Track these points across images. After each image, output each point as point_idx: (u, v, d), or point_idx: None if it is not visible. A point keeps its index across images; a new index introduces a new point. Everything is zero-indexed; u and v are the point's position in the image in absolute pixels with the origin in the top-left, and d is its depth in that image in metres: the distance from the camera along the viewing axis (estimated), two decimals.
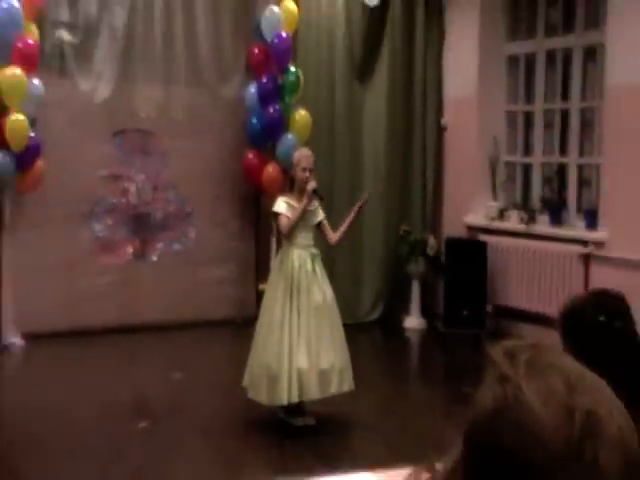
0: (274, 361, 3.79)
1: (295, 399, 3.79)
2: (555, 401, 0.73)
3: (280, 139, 6.00)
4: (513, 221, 6.17)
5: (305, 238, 3.96)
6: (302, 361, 3.77)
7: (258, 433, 3.94)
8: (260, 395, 3.88)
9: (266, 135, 6.07)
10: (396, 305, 6.65)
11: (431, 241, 6.45)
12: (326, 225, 4.05)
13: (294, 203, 3.94)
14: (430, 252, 6.41)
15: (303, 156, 3.98)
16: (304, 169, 3.91)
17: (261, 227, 6.42)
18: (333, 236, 4.03)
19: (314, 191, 3.91)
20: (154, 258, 6.26)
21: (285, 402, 3.81)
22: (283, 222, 3.92)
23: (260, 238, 6.44)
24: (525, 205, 6.19)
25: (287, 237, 3.94)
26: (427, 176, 6.81)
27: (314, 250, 3.99)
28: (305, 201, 3.90)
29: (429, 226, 6.72)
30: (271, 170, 6.05)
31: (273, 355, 3.81)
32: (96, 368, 5.16)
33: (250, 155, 6.19)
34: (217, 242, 6.40)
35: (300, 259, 3.90)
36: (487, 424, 0.76)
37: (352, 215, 4.03)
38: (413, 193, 6.79)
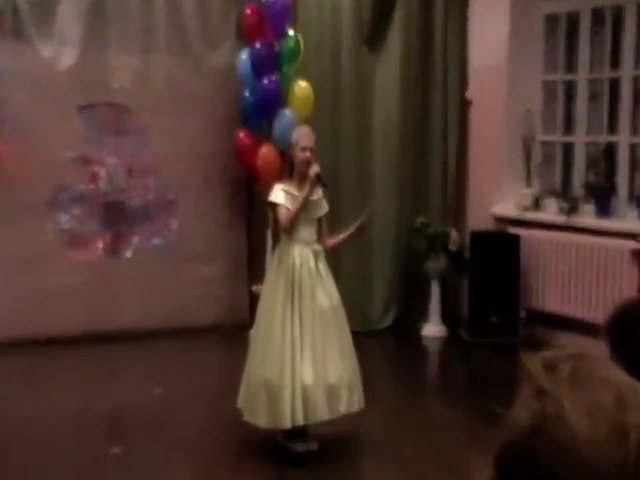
0: (274, 376, 3.80)
1: (300, 421, 3.79)
2: (604, 419, 0.73)
3: (277, 115, 6.01)
4: (551, 211, 6.16)
5: (307, 232, 3.99)
6: (307, 375, 3.78)
7: (252, 459, 3.94)
8: (258, 417, 3.87)
9: (261, 111, 6.08)
10: (412, 309, 6.69)
11: (453, 235, 6.46)
12: (325, 222, 4.10)
13: (294, 191, 3.96)
14: (452, 247, 6.43)
15: (302, 134, 4.02)
16: (304, 149, 3.94)
17: (255, 218, 6.44)
18: (328, 240, 4.09)
19: (317, 176, 3.93)
20: (129, 254, 6.27)
21: (289, 425, 3.80)
22: (283, 214, 3.93)
23: (254, 231, 6.46)
24: (565, 192, 6.18)
25: (287, 231, 3.96)
26: (448, 159, 6.81)
27: (317, 246, 4.01)
28: (308, 189, 3.91)
29: (451, 217, 6.76)
30: (266, 152, 6.07)
31: (273, 369, 3.81)
32: (62, 383, 5.18)
33: (242, 134, 6.20)
34: (204, 235, 6.42)
35: (302, 256, 3.93)
36: (523, 445, 0.76)
37: (352, 229, 4.13)
38: (432, 179, 6.79)
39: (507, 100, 6.42)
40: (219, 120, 6.33)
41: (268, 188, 4.10)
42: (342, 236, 4.16)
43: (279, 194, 3.96)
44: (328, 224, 4.14)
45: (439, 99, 6.77)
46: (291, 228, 3.93)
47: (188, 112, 6.25)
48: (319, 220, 4.08)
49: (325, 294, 3.94)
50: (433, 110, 6.80)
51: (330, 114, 6.48)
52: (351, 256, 6.36)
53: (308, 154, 3.94)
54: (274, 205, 4.01)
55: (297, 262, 3.91)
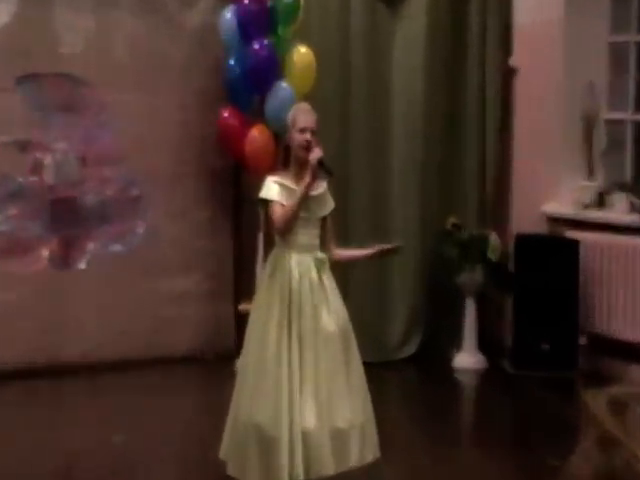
0: (268, 420, 3.78)
1: (300, 475, 3.75)
2: None
3: (271, 89, 6.02)
4: (619, 210, 6.19)
5: (308, 236, 4.01)
6: (309, 418, 3.77)
7: None
8: (248, 472, 3.86)
9: (250, 83, 6.08)
10: (441, 334, 6.72)
11: (493, 239, 6.46)
12: (331, 223, 4.11)
13: (291, 184, 3.97)
14: (492, 256, 6.43)
15: (301, 112, 4.03)
16: (303, 130, 3.95)
17: (243, 218, 6.40)
18: (336, 251, 4.11)
19: (320, 163, 3.92)
20: (83, 265, 6.14)
21: None
22: (277, 213, 3.94)
23: (241, 235, 6.44)
24: (637, 185, 6.21)
25: (283, 235, 3.97)
26: (487, 144, 6.82)
27: (320, 254, 4.02)
28: (308, 180, 3.90)
29: (490, 218, 6.77)
30: (257, 135, 6.07)
31: (266, 411, 3.80)
32: None
33: (227, 113, 6.20)
34: (178, 241, 6.41)
35: (301, 267, 3.95)
36: None
37: (371, 253, 4.12)
38: (466, 170, 6.82)
39: (564, 68, 6.40)
40: (197, 95, 6.33)
41: (259, 181, 4.10)
42: (358, 253, 4.20)
43: (273, 188, 3.97)
44: (335, 226, 4.15)
45: (475, 67, 6.79)
46: (287, 230, 3.94)
47: (158, 85, 6.25)
48: (323, 220, 4.07)
49: (331, 314, 3.95)
50: (468, 82, 6.81)
51: (337, 88, 6.49)
52: (363, 266, 6.34)
53: (308, 136, 3.94)
54: (266, 202, 4.01)
55: (295, 274, 3.93)
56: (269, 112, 6.02)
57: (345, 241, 4.23)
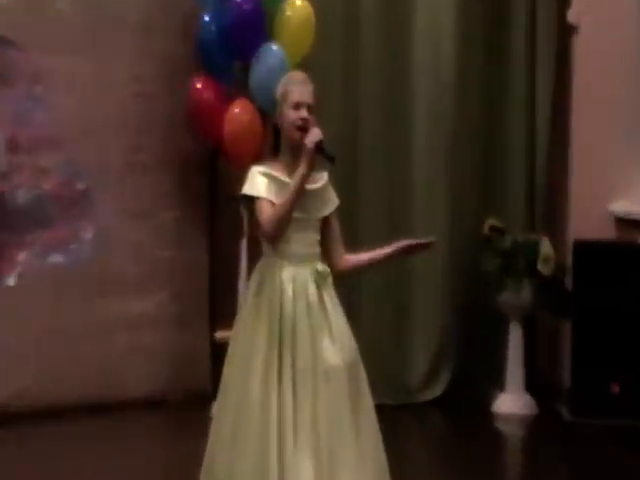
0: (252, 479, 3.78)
1: None
2: None
3: (256, 54, 6.03)
4: None
5: (305, 243, 4.02)
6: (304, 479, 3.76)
7: None
8: None
9: (230, 46, 6.10)
10: (477, 370, 6.72)
11: (545, 247, 6.46)
12: (335, 224, 4.12)
13: (282, 176, 3.98)
14: (544, 269, 6.42)
15: (294, 83, 4.05)
16: (297, 106, 3.96)
17: (220, 221, 6.41)
18: (344, 257, 4.12)
19: (318, 147, 3.91)
20: (12, 281, 6.19)
21: None
22: (265, 214, 3.94)
23: (219, 242, 6.46)
24: None
25: (273, 242, 3.98)
26: (537, 126, 6.85)
27: (320, 266, 4.02)
28: (304, 169, 3.89)
29: (541, 219, 6.79)
30: (239, 113, 6.11)
31: (249, 468, 3.79)
32: None
33: (199, 84, 6.25)
34: (136, 250, 6.41)
35: (296, 283, 3.96)
36: None
37: (391, 251, 4.12)
38: (508, 158, 6.87)
39: (638, 24, 6.43)
40: (160, 62, 6.33)
41: (242, 172, 4.10)
42: (374, 255, 4.16)
43: (259, 182, 3.96)
44: (340, 229, 4.13)
45: (521, 25, 6.79)
46: (279, 236, 3.94)
47: (108, 48, 6.24)
48: (324, 222, 4.07)
49: (334, 344, 3.94)
50: (511, 44, 6.81)
51: (342, 52, 6.54)
52: (376, 282, 6.41)
53: (304, 113, 3.93)
54: (251, 200, 3.99)
55: (289, 292, 3.93)
56: (254, 83, 6.02)
57: (353, 247, 4.18)
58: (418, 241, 4.12)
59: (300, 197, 3.90)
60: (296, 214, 3.91)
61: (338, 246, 4.08)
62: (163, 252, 6.54)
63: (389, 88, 6.73)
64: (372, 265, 4.18)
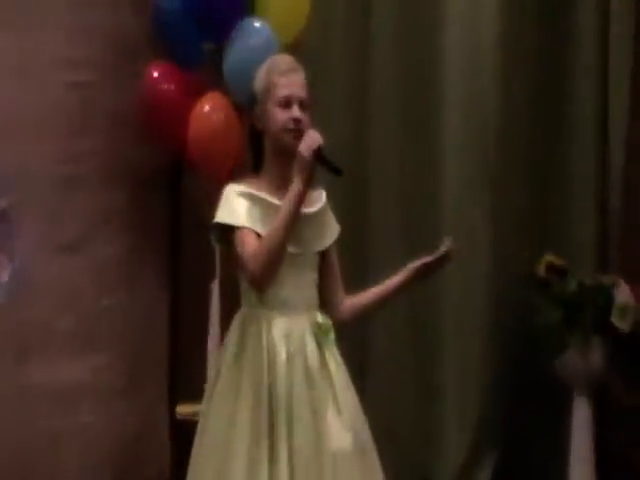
0: None
1: None
2: None
3: (233, 33, 5.75)
4: None
5: (299, 286, 3.96)
6: None
7: None
8: None
9: (199, 22, 5.76)
10: (530, 456, 6.32)
11: (622, 294, 6.12)
12: (335, 260, 4.07)
13: (268, 196, 3.88)
14: (620, 322, 6.08)
15: (280, 72, 3.94)
16: (286, 102, 3.87)
17: (183, 256, 6.03)
18: (346, 301, 4.09)
19: (317, 155, 3.74)
20: None
21: None
22: (249, 249, 3.79)
23: (181, 285, 6.07)
24: None
25: (260, 287, 3.84)
26: (610, 139, 6.49)
27: (321, 317, 3.94)
28: (298, 186, 3.73)
29: (615, 257, 6.49)
30: (209, 109, 5.78)
31: None
32: None
33: (157, 73, 5.85)
34: (68, 295, 5.92)
35: (291, 340, 3.87)
36: None
37: (405, 276, 4.08)
38: (573, 176, 6.54)
39: None
40: (105, 42, 5.87)
41: (215, 190, 4.10)
42: (383, 288, 4.06)
43: (238, 205, 3.86)
44: (340, 267, 4.11)
45: (589, 9, 6.52)
46: (269, 278, 3.80)
47: (35, 23, 5.80)
48: (323, 257, 3.96)
49: (342, 421, 3.85)
50: (574, 32, 6.59)
51: (347, 30, 6.43)
52: (393, 338, 6.37)
53: (296, 112, 3.83)
54: (228, 230, 3.84)
55: (281, 353, 3.83)
56: (230, 71, 5.65)
57: (362, 282, 4.16)
58: (434, 255, 4.10)
59: (294, 223, 3.79)
60: (289, 248, 3.82)
61: (337, 289, 4.06)
62: (105, 298, 5.90)
63: (411, 83, 6.51)
64: (380, 303, 4.12)
